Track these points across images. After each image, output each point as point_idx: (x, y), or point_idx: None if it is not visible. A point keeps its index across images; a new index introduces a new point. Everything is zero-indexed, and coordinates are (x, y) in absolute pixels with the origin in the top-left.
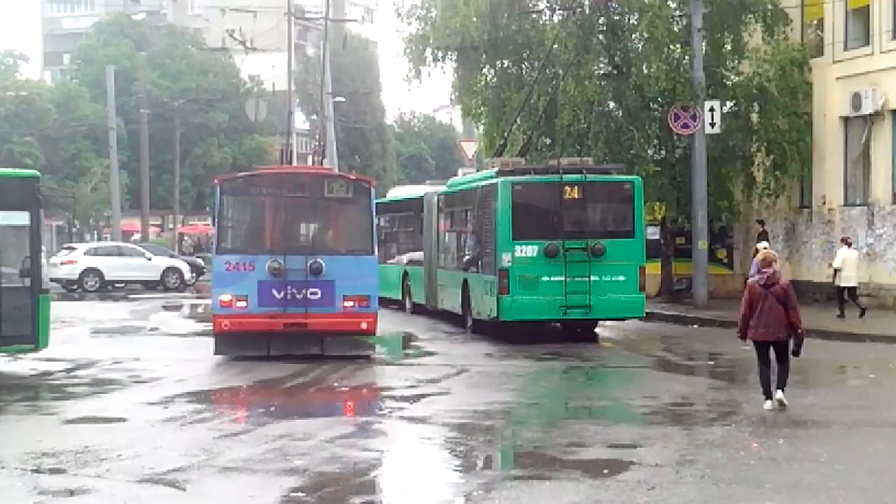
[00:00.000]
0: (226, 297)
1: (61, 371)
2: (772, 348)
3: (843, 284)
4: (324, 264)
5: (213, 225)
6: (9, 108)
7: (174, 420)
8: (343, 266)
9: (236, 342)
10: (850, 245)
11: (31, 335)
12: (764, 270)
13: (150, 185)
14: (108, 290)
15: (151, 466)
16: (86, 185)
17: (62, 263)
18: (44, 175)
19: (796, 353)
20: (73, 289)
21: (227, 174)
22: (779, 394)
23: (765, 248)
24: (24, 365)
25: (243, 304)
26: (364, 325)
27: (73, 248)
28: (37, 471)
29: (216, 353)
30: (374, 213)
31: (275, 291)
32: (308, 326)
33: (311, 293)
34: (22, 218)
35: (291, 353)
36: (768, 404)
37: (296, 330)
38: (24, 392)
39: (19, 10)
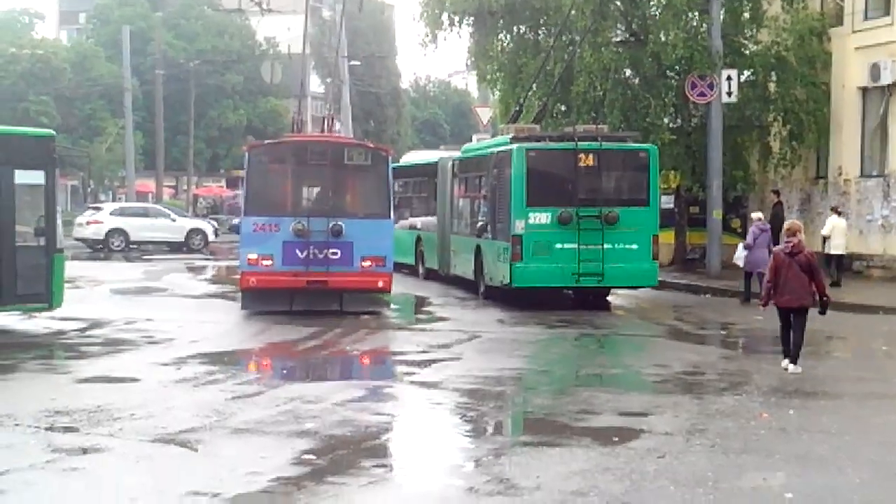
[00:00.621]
0: (253, 256)
1: (75, 330)
2: (793, 315)
3: (832, 252)
4: (344, 226)
5: (242, 188)
6: (24, 66)
7: (187, 381)
8: (361, 228)
9: (262, 298)
10: (840, 214)
11: (46, 294)
12: (789, 240)
13: (165, 147)
14: (133, 250)
15: (164, 426)
16: (101, 146)
17: (88, 223)
18: (59, 134)
19: (823, 312)
20: (99, 249)
21: (256, 142)
22: (791, 367)
23: (758, 219)
24: (38, 323)
25: (269, 262)
26: (380, 284)
27: (98, 209)
28: (50, 429)
29: (243, 307)
30: (391, 180)
31: (298, 251)
32: (329, 284)
33: (332, 253)
34: (37, 177)
35: (312, 308)
36: (786, 362)
37: (317, 287)
38: (38, 350)
39: None
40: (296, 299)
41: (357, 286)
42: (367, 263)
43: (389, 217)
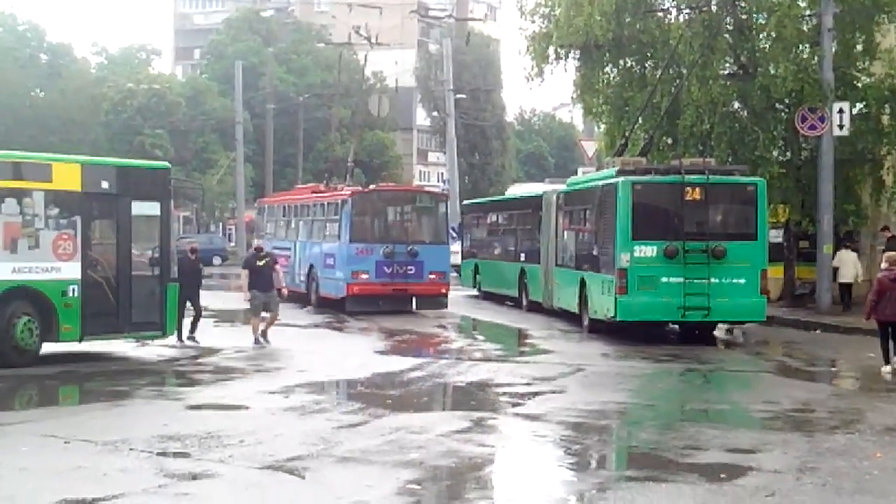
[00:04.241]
0: (355, 272)
1: (186, 358)
2: (890, 328)
3: (841, 281)
4: (418, 250)
5: (345, 223)
6: (141, 101)
7: (294, 409)
8: (428, 252)
9: (360, 302)
10: (847, 247)
11: (159, 322)
12: (892, 268)
13: (274, 179)
14: None
15: (272, 454)
16: (212, 178)
17: None
18: (173, 167)
19: None
20: None
21: (356, 189)
22: (894, 360)
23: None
24: (152, 351)
25: (366, 276)
26: (443, 290)
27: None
28: (163, 454)
29: (347, 309)
30: (448, 216)
31: (386, 268)
32: (407, 291)
33: (409, 269)
34: (153, 208)
35: (394, 308)
36: (887, 368)
37: (399, 294)
38: (151, 377)
39: (153, 6)
40: (383, 302)
41: (427, 292)
42: (433, 276)
43: (447, 243)
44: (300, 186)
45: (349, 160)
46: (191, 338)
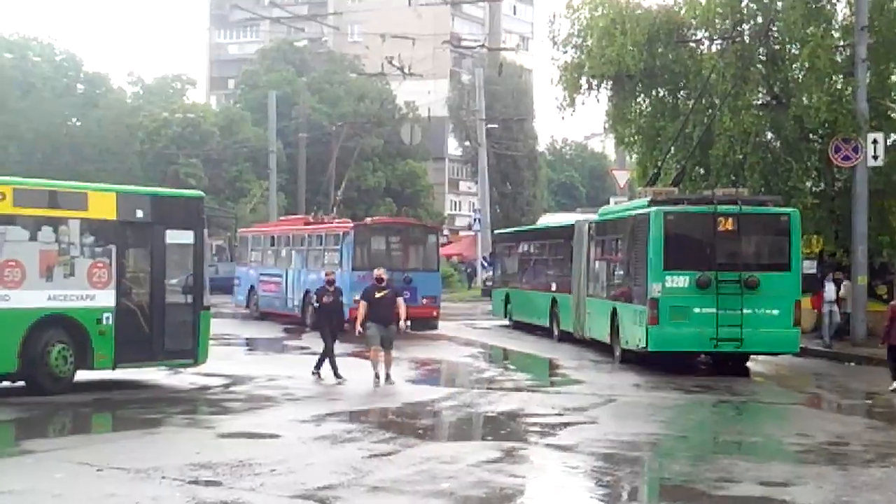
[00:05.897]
0: (357, 297)
1: (219, 386)
2: None
3: (848, 311)
4: (412, 277)
5: (348, 253)
6: (176, 130)
7: (325, 438)
8: (421, 278)
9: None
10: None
11: (192, 350)
12: None
13: (306, 208)
14: None
15: (303, 482)
16: (245, 206)
17: None
18: (207, 196)
19: None
20: None
21: (358, 223)
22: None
23: None
24: (184, 379)
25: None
26: (434, 314)
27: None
28: (194, 482)
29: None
30: (439, 245)
31: None
32: None
33: (404, 294)
34: (187, 237)
35: None
36: (894, 385)
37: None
38: (184, 405)
39: (189, 36)
40: None
41: (420, 315)
42: (425, 300)
43: (438, 270)
44: (283, 218)
45: (338, 194)
46: (316, 373)
